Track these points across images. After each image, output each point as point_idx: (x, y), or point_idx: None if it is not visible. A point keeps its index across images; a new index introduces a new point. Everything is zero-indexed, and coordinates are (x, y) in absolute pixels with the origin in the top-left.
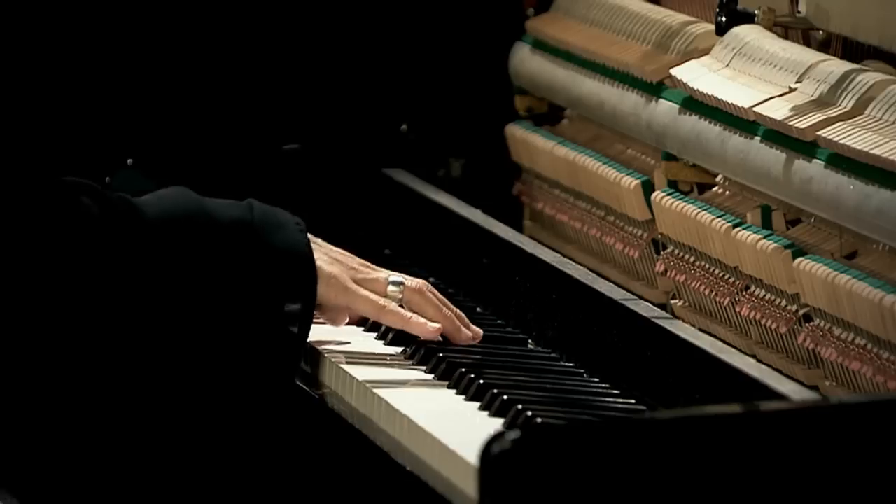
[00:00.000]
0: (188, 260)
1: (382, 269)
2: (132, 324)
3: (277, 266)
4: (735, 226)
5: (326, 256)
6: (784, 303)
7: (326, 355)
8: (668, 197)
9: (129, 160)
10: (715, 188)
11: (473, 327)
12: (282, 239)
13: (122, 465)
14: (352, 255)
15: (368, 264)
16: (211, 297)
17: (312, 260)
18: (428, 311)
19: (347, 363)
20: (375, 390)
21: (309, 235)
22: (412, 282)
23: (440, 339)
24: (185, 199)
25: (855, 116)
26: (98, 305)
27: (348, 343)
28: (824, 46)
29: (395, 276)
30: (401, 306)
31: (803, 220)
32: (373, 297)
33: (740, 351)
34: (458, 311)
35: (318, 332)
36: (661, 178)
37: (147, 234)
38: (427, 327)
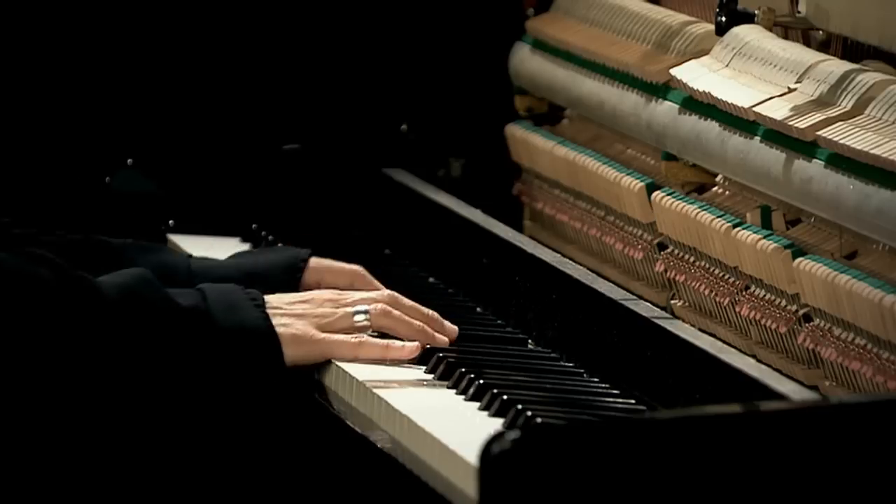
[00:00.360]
0: (143, 343)
1: (347, 296)
2: (88, 399)
3: (237, 347)
4: (735, 226)
5: (288, 318)
6: (784, 303)
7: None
8: (668, 197)
9: (129, 160)
10: (715, 188)
11: (448, 325)
12: (238, 319)
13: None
14: (313, 295)
15: (333, 296)
16: (166, 381)
17: (273, 333)
18: (400, 331)
19: (348, 363)
20: (375, 390)
21: (267, 300)
22: (375, 305)
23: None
24: (143, 284)
25: (855, 116)
26: (52, 379)
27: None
28: (824, 46)
29: (359, 305)
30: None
31: (803, 220)
32: (344, 338)
33: (740, 351)
34: (431, 313)
35: None
36: (668, 179)
37: (103, 311)
38: (405, 351)
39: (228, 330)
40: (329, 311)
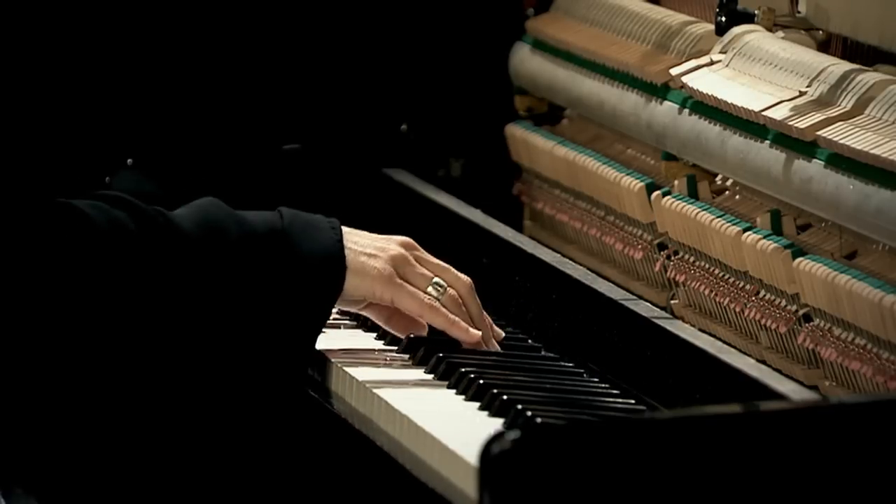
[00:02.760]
0: (222, 272)
1: (428, 259)
2: (164, 332)
3: (309, 270)
4: (735, 226)
5: (365, 253)
6: (784, 303)
7: (327, 356)
8: (669, 197)
9: (129, 160)
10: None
11: (497, 330)
12: (311, 243)
13: (127, 465)
14: (403, 244)
15: (420, 256)
16: (243, 306)
17: (342, 259)
18: (453, 329)
19: (347, 363)
20: (375, 390)
21: (349, 231)
22: (452, 290)
23: (440, 338)
24: (217, 210)
25: (855, 116)
26: (133, 316)
27: (348, 343)
28: (824, 46)
29: (439, 279)
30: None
31: (814, 226)
32: (419, 293)
33: (740, 351)
34: (489, 322)
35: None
36: (668, 179)
37: (182, 246)
38: (469, 334)
39: (301, 253)
40: (412, 264)
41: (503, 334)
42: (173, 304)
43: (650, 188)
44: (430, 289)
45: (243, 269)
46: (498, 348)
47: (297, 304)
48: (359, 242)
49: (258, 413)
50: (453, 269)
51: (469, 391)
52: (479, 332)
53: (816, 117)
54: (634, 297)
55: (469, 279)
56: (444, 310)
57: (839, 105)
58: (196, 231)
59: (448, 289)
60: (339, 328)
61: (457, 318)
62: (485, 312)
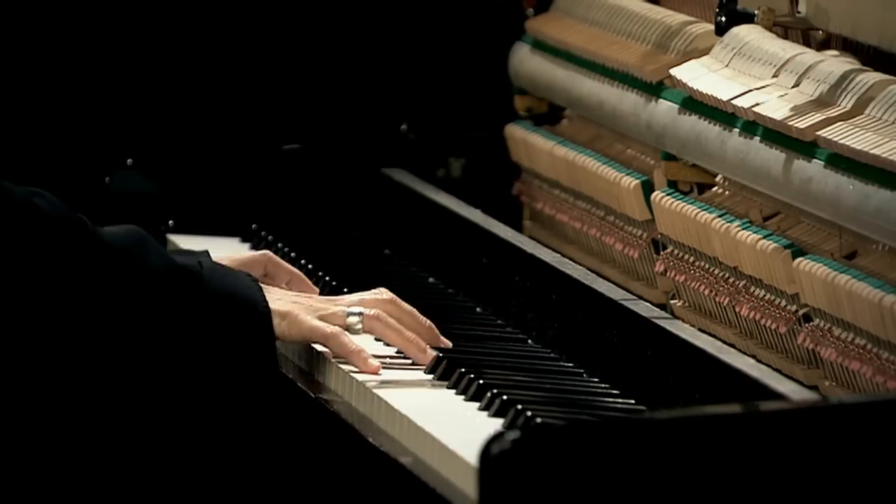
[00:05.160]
0: (135, 290)
1: (345, 299)
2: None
3: (227, 312)
4: (735, 226)
5: (283, 298)
6: (784, 303)
7: (327, 356)
8: (668, 197)
9: (129, 160)
10: (715, 188)
11: (443, 339)
12: (231, 284)
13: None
14: (312, 296)
15: (332, 299)
16: (154, 337)
17: (265, 303)
18: (390, 337)
19: (347, 364)
20: (375, 390)
21: (264, 286)
22: (371, 309)
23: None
24: (138, 236)
25: (855, 116)
26: (40, 313)
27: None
28: (824, 46)
29: (355, 307)
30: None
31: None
32: (320, 324)
33: (740, 351)
34: (427, 323)
35: None
36: (660, 178)
37: (99, 252)
38: (367, 364)
39: (220, 293)
40: (324, 306)
41: (450, 344)
42: (85, 307)
43: (646, 186)
44: (349, 319)
45: (156, 294)
46: (448, 343)
47: (225, 341)
48: (273, 292)
49: (258, 413)
50: (369, 294)
51: (469, 391)
52: (378, 365)
53: (816, 117)
54: (634, 297)
55: (389, 294)
56: (345, 339)
57: (839, 105)
58: (113, 243)
59: (366, 311)
60: None
61: (358, 349)
62: (427, 323)
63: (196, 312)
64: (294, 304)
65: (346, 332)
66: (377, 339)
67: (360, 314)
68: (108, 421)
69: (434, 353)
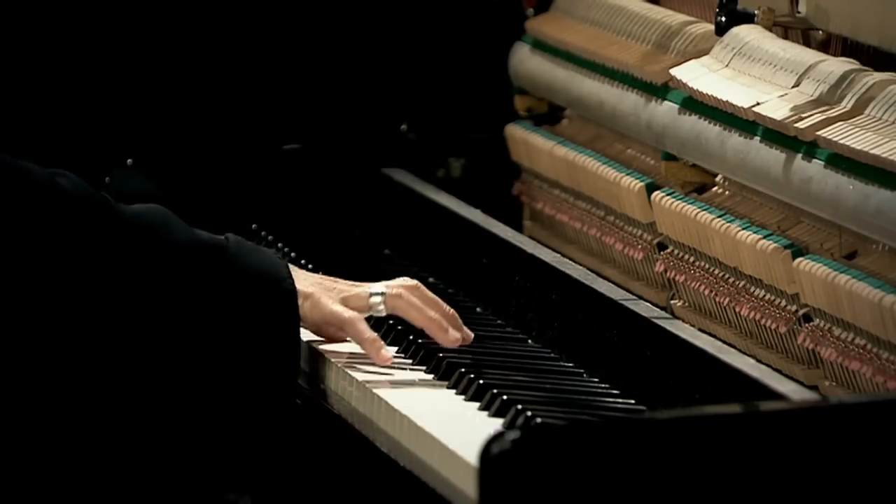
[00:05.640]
0: (159, 269)
1: (368, 284)
2: (113, 329)
3: (255, 289)
4: (735, 226)
5: (309, 280)
6: (784, 303)
7: (327, 356)
8: (668, 197)
9: (129, 160)
10: (715, 188)
11: (466, 329)
12: (258, 259)
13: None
14: (336, 279)
15: (357, 284)
16: (178, 314)
17: (289, 275)
18: (412, 315)
19: (348, 364)
20: (375, 390)
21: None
22: (394, 288)
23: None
24: (162, 213)
25: (855, 116)
26: (67, 294)
27: (348, 343)
28: (824, 46)
29: (377, 287)
30: (388, 316)
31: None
32: (338, 309)
33: (740, 351)
34: (451, 311)
35: None
36: (668, 179)
37: (122, 230)
38: (380, 354)
39: (246, 268)
40: (347, 288)
41: (471, 335)
42: (111, 285)
43: (650, 188)
44: (371, 300)
45: (181, 270)
46: (460, 339)
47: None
48: (299, 272)
49: (258, 413)
50: (394, 281)
51: (469, 391)
52: (391, 354)
53: (816, 117)
54: (634, 297)
55: (414, 281)
56: (362, 325)
57: (839, 105)
58: (137, 220)
59: (389, 291)
60: None
61: (372, 336)
62: (449, 310)
63: (222, 287)
64: (318, 285)
65: (363, 320)
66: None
67: (382, 294)
68: (130, 399)
69: (458, 335)
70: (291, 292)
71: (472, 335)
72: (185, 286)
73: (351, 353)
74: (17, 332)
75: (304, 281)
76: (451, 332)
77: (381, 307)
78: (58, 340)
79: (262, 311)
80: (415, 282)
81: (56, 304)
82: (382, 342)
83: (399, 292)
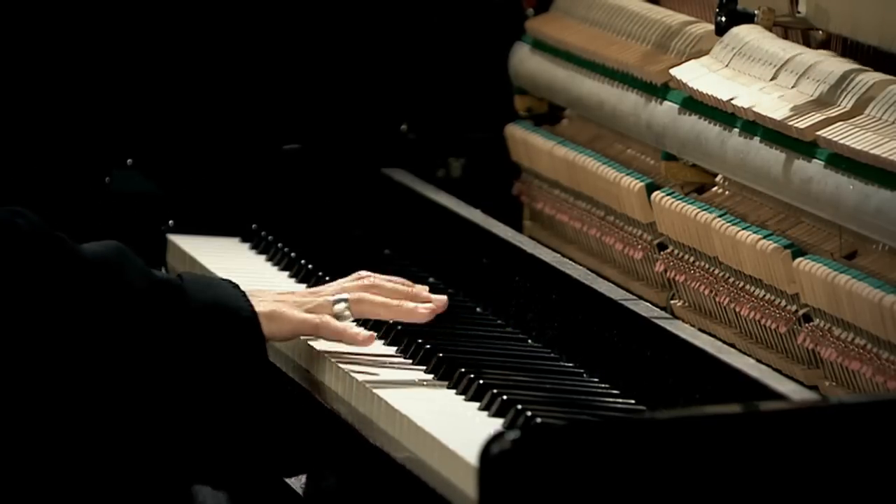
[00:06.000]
0: (118, 307)
1: (326, 289)
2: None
3: (213, 322)
4: (735, 226)
5: (267, 299)
6: (784, 303)
7: (326, 356)
8: (668, 197)
9: (129, 160)
10: (715, 188)
11: (435, 297)
12: (213, 294)
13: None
14: (294, 292)
15: (313, 291)
16: (139, 351)
17: (251, 308)
18: (380, 313)
19: (347, 363)
20: (375, 390)
21: (246, 290)
22: (353, 292)
23: (441, 337)
24: (120, 252)
25: (855, 116)
26: (22, 334)
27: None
28: (824, 46)
29: (338, 294)
30: (356, 320)
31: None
32: (308, 317)
33: (740, 351)
34: (410, 288)
35: None
36: (668, 179)
37: (80, 272)
38: (362, 337)
39: (204, 304)
40: (308, 299)
41: (443, 299)
42: (66, 326)
43: (650, 188)
44: (336, 307)
45: (140, 309)
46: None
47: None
48: (258, 294)
49: (257, 413)
50: (349, 281)
51: (469, 391)
52: (371, 334)
53: (816, 117)
54: (634, 297)
55: (367, 274)
56: (331, 323)
57: (839, 105)
58: (93, 259)
59: (352, 297)
60: None
61: (346, 326)
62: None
63: (182, 326)
64: (278, 302)
65: (333, 319)
66: (378, 338)
67: (345, 301)
68: (95, 438)
69: (430, 306)
70: (251, 319)
71: (445, 298)
72: (143, 326)
73: (350, 353)
74: None
75: (264, 302)
76: (419, 309)
77: (347, 313)
78: (14, 381)
79: (224, 344)
80: (367, 275)
81: (14, 345)
82: (355, 325)
83: (360, 296)
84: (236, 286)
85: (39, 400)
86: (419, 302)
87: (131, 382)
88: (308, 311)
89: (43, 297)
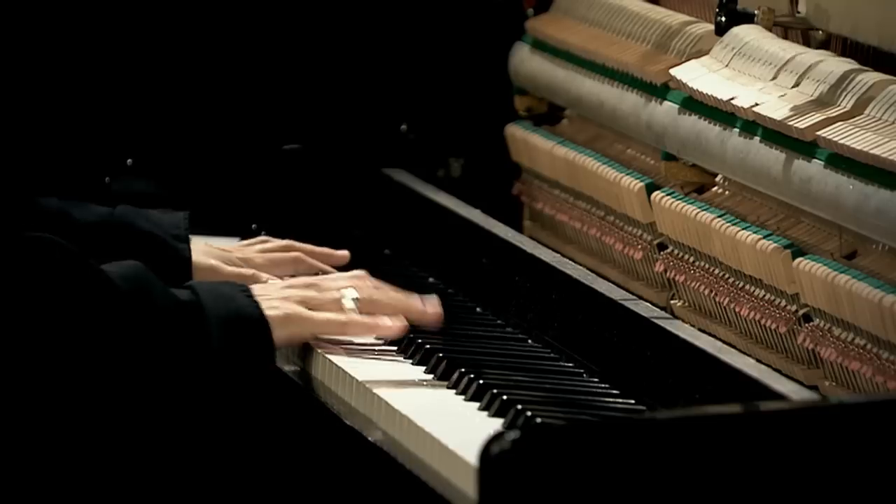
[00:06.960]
0: (148, 333)
1: (331, 279)
2: (89, 387)
3: (231, 334)
4: (735, 226)
5: (277, 300)
6: (784, 303)
7: (326, 355)
8: (668, 197)
9: (129, 160)
10: (715, 188)
11: (429, 300)
12: (230, 308)
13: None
14: (293, 281)
15: (319, 281)
16: (167, 372)
17: (263, 316)
18: (387, 313)
19: (347, 363)
20: (375, 390)
21: (253, 288)
22: (363, 291)
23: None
24: (145, 278)
25: (855, 116)
26: (57, 366)
27: (348, 343)
28: (824, 46)
29: (348, 291)
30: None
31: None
32: (332, 316)
33: (740, 351)
34: (407, 296)
35: None
36: (668, 179)
37: (113, 303)
38: (393, 329)
39: (223, 318)
40: (314, 295)
41: (434, 298)
42: (100, 356)
43: (650, 188)
44: (345, 303)
45: (166, 332)
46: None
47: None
48: (267, 294)
49: (257, 414)
50: (347, 276)
51: (469, 391)
52: (404, 324)
53: (816, 117)
54: (634, 297)
55: (363, 272)
56: (360, 319)
57: (839, 105)
58: (126, 289)
59: (361, 294)
60: None
61: (376, 320)
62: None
63: (201, 346)
64: (285, 301)
65: (357, 312)
66: (378, 338)
67: (356, 300)
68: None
69: (436, 313)
70: (265, 325)
71: (435, 295)
72: (169, 348)
73: (350, 353)
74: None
75: (275, 309)
76: (428, 315)
77: (354, 312)
78: (39, 405)
79: (242, 354)
80: (363, 274)
81: (45, 370)
82: (381, 318)
83: (373, 300)
84: (244, 289)
85: (76, 421)
86: (415, 311)
87: (160, 402)
88: (316, 307)
89: (78, 323)
